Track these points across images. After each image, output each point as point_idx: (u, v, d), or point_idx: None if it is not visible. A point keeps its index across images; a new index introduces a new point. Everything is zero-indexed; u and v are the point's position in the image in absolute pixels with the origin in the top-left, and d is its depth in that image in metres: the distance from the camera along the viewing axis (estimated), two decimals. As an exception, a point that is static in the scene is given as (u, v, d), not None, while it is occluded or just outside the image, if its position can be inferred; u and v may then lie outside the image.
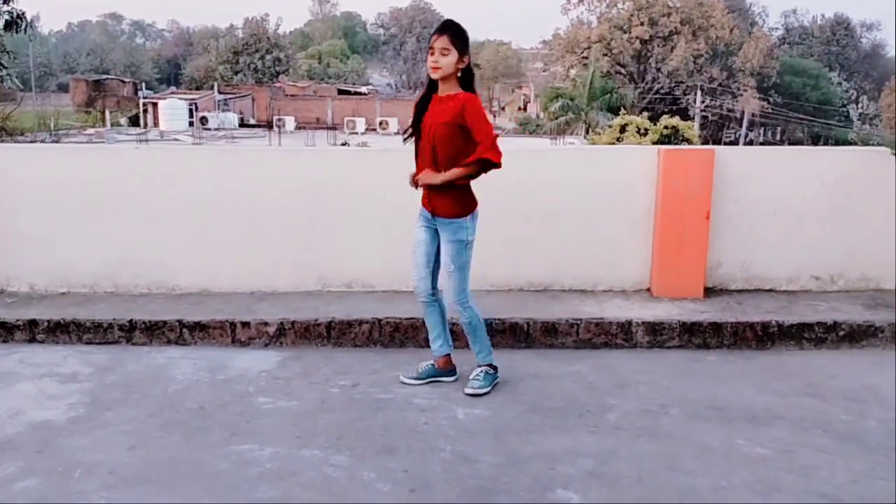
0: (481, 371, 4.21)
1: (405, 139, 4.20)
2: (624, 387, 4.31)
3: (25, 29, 17.68)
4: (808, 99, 52.00)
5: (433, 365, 4.33)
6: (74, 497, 3.13)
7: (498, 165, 3.90)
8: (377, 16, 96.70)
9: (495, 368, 4.26)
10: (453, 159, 3.93)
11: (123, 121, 49.96)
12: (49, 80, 67.32)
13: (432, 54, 3.91)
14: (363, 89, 64.61)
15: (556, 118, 39.20)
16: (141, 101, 52.03)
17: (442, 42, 3.87)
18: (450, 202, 4.02)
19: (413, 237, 4.20)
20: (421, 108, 4.07)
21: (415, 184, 4.08)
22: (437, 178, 3.95)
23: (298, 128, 48.05)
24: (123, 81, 61.54)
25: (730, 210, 5.68)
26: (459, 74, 3.96)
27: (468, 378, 4.22)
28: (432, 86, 4.03)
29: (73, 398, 4.16)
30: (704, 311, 5.23)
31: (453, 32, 3.90)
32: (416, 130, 4.10)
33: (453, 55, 3.88)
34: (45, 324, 5.12)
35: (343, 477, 3.28)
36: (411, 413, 3.93)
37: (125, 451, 3.53)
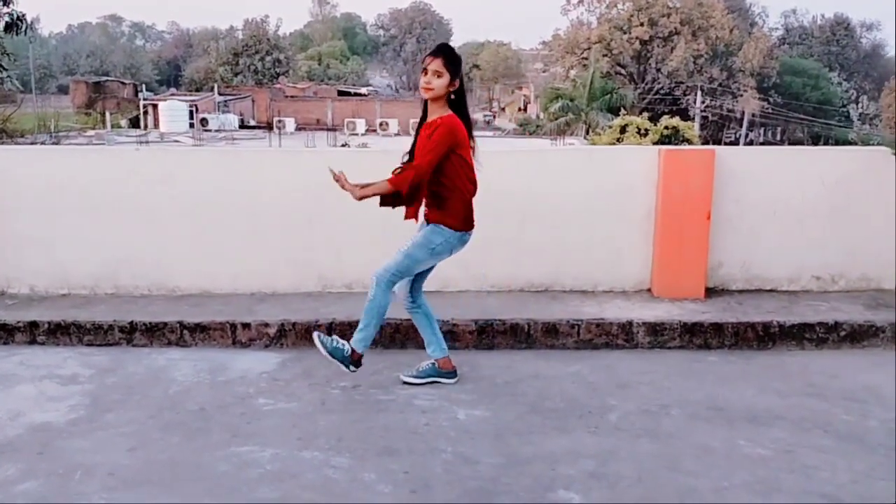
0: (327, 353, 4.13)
1: (404, 163, 4.21)
2: (625, 387, 4.30)
3: (26, 31, 17.69)
4: (808, 99, 52.00)
5: (433, 364, 4.33)
6: (75, 499, 3.13)
7: (401, 195, 3.99)
8: (377, 17, 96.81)
9: (348, 363, 4.16)
10: (433, 183, 4.01)
11: (123, 122, 50.01)
12: (49, 82, 67.42)
13: (425, 75, 3.99)
14: (363, 90, 64.70)
15: (556, 119, 39.20)
16: (141, 102, 52.09)
17: (436, 65, 3.95)
18: (443, 213, 4.08)
19: None
20: (418, 131, 4.16)
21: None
22: (356, 192, 4.08)
23: (298, 129, 48.10)
24: (123, 83, 61.63)
25: (730, 210, 5.68)
26: (452, 97, 4.03)
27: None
28: (427, 107, 4.12)
29: (74, 400, 4.16)
30: (705, 312, 5.23)
31: (447, 56, 3.98)
32: (412, 154, 4.18)
33: (445, 78, 3.96)
34: (46, 325, 5.12)
35: (344, 478, 3.28)
36: (412, 414, 3.93)
37: (125, 452, 3.53)
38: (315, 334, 4.17)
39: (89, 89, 56.81)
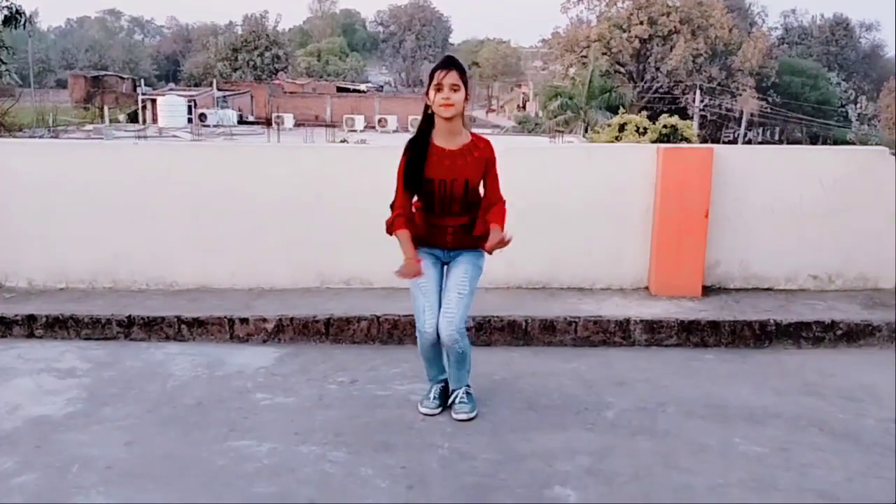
0: (463, 393, 3.92)
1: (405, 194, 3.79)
2: (622, 385, 4.31)
3: (24, 25, 17.65)
4: (806, 99, 52.06)
5: (443, 388, 3.98)
6: (72, 492, 3.13)
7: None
8: (376, 13, 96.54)
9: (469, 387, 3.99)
10: (474, 208, 3.80)
11: (122, 117, 49.88)
12: (47, 76, 67.32)
13: (440, 90, 3.57)
14: (362, 87, 64.62)
15: (555, 117, 39.17)
16: (139, 97, 51.97)
17: (452, 78, 3.57)
18: (475, 238, 3.82)
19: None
20: (419, 158, 3.69)
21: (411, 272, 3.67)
22: (505, 236, 3.73)
23: (297, 125, 48.00)
24: (122, 78, 61.49)
25: (728, 209, 5.68)
26: (464, 111, 3.69)
27: (454, 403, 3.89)
28: (429, 126, 3.72)
29: (71, 393, 4.16)
30: (702, 310, 5.24)
31: (461, 68, 3.64)
32: (418, 183, 3.72)
33: (462, 92, 3.61)
34: (44, 319, 5.12)
35: (341, 473, 3.29)
36: (409, 410, 3.94)
37: (123, 446, 3.54)
38: (464, 415, 3.83)
39: (88, 84, 56.69)
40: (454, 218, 3.79)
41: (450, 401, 3.93)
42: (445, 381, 3.97)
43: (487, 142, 3.80)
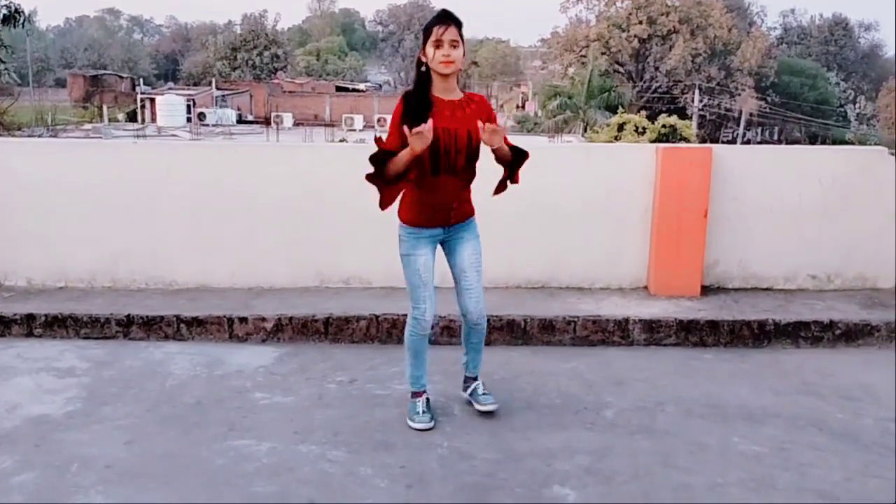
0: (480, 384, 3.93)
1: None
2: (620, 384, 4.32)
3: (23, 24, 17.62)
4: (805, 99, 52.05)
5: (427, 399, 3.85)
6: (71, 491, 3.13)
7: (514, 176, 3.78)
8: (375, 13, 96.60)
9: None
10: (473, 171, 3.67)
11: (121, 116, 49.85)
12: (46, 76, 67.27)
13: (440, 47, 3.44)
14: (361, 86, 64.56)
15: (554, 116, 39.17)
16: (138, 96, 51.89)
17: (451, 34, 3.44)
18: (470, 203, 3.75)
19: (415, 265, 3.67)
20: (421, 110, 3.47)
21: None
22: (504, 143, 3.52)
23: (296, 124, 47.97)
24: (121, 77, 61.43)
25: (727, 209, 5.69)
26: (462, 67, 3.56)
27: (477, 394, 3.88)
28: (426, 83, 3.56)
29: (71, 392, 4.16)
30: (701, 310, 5.24)
31: (459, 23, 3.48)
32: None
33: (461, 48, 3.49)
34: (43, 318, 5.11)
35: (340, 472, 3.29)
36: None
37: (122, 445, 3.54)
38: (492, 406, 3.82)
39: (87, 83, 56.63)
40: (456, 180, 3.59)
41: (469, 393, 3.93)
42: (426, 390, 3.85)
43: (482, 97, 3.76)
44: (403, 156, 3.43)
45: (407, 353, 3.81)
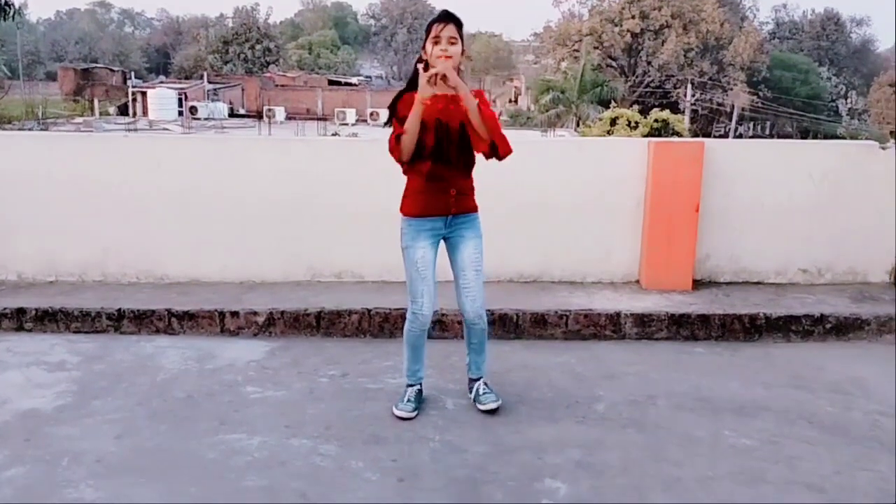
0: (483, 384, 3.92)
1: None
2: (612, 378, 4.33)
3: (14, 16, 17.55)
4: (797, 94, 52.23)
5: (420, 391, 3.92)
6: (62, 486, 3.12)
7: (507, 154, 3.66)
8: (368, 6, 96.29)
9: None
10: (471, 163, 3.72)
11: (112, 110, 49.68)
12: (37, 69, 66.81)
13: (438, 43, 3.53)
14: (354, 80, 64.42)
15: (547, 111, 39.23)
16: (130, 90, 51.72)
17: (450, 31, 3.53)
18: (472, 193, 3.76)
19: (414, 257, 3.69)
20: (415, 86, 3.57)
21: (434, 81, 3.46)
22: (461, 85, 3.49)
23: (289, 118, 47.91)
24: (112, 70, 61.18)
25: (719, 203, 5.70)
26: (462, 68, 3.68)
27: (478, 395, 3.87)
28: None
29: (61, 387, 4.15)
30: (693, 304, 5.26)
31: (458, 22, 3.59)
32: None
33: (459, 46, 3.57)
34: (33, 312, 5.10)
35: (331, 466, 3.29)
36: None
37: (113, 439, 3.53)
38: (493, 404, 3.82)
39: (78, 76, 56.38)
40: (451, 167, 3.64)
41: (472, 394, 3.93)
42: (421, 383, 3.91)
43: (478, 90, 3.77)
44: (413, 115, 3.52)
45: (405, 347, 3.85)
